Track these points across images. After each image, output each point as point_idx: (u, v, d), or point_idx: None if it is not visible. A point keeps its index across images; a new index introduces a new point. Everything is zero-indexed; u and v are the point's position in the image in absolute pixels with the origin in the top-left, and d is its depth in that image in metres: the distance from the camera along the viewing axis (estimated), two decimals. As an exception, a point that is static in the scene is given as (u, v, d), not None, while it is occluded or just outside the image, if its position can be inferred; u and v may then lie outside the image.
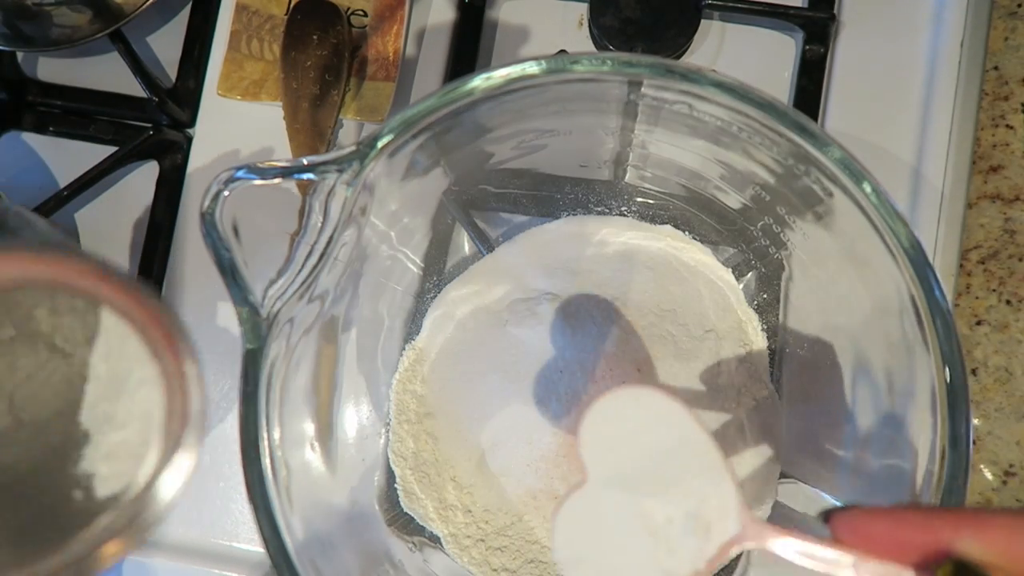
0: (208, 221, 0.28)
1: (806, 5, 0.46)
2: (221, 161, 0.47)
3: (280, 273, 0.30)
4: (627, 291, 0.40)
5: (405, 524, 0.40)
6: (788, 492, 0.39)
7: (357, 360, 0.40)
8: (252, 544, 0.45)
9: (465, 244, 0.44)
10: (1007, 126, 0.47)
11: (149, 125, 0.48)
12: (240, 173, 0.28)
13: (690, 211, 0.42)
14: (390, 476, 0.41)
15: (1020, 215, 0.46)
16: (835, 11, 0.45)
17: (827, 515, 0.25)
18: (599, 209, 0.43)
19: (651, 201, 0.42)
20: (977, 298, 0.46)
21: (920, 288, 0.29)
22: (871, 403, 0.36)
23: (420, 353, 0.42)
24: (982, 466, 0.46)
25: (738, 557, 0.40)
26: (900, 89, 0.45)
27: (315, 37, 0.44)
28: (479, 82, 0.30)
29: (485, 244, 0.43)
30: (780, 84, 0.46)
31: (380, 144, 0.30)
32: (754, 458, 0.39)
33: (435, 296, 0.43)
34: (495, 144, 0.38)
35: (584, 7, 0.46)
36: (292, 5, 0.46)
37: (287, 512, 0.30)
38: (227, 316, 0.46)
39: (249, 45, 0.46)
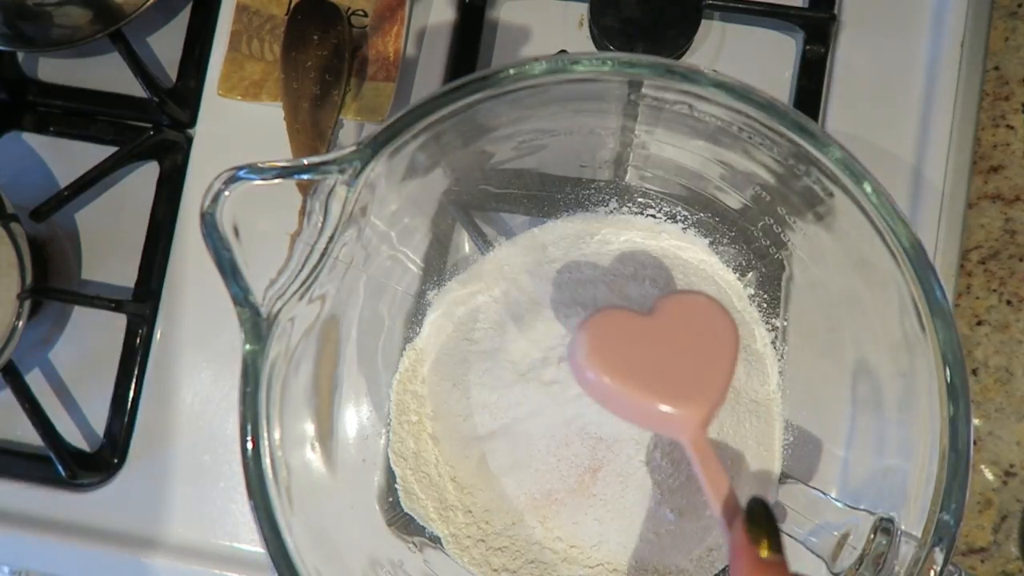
0: (208, 221, 0.28)
1: (806, 5, 0.46)
2: (221, 161, 0.47)
3: (280, 273, 0.30)
4: (628, 291, 0.40)
5: (405, 524, 0.40)
6: (788, 492, 0.39)
7: (357, 360, 0.40)
8: (252, 544, 0.45)
9: (465, 244, 0.44)
10: (1007, 126, 0.47)
11: (149, 125, 0.48)
12: (240, 173, 0.28)
13: (690, 211, 0.42)
14: (390, 476, 0.41)
15: (1020, 215, 0.46)
16: (835, 11, 0.45)
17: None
18: (599, 209, 0.43)
19: (651, 201, 0.42)
20: (978, 298, 0.46)
21: (920, 288, 0.29)
22: (871, 403, 0.36)
23: (420, 353, 0.42)
24: (982, 466, 0.46)
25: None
26: (900, 89, 0.45)
27: (315, 37, 0.44)
28: (479, 82, 0.30)
29: (485, 244, 0.43)
30: (780, 84, 0.46)
31: (380, 144, 0.30)
32: (754, 457, 0.39)
33: (435, 296, 0.43)
34: (495, 144, 0.38)
35: (584, 7, 0.46)
36: (292, 5, 0.46)
37: (287, 512, 0.30)
38: (227, 316, 0.46)
39: (249, 45, 0.46)
